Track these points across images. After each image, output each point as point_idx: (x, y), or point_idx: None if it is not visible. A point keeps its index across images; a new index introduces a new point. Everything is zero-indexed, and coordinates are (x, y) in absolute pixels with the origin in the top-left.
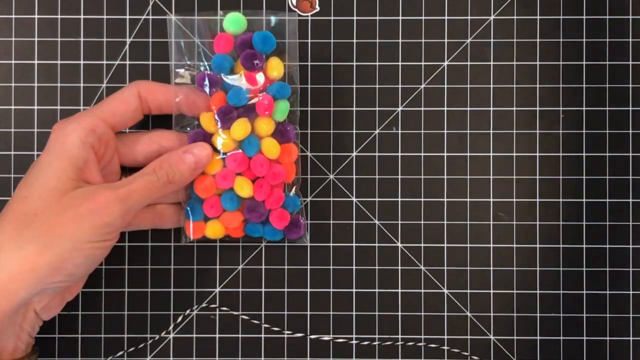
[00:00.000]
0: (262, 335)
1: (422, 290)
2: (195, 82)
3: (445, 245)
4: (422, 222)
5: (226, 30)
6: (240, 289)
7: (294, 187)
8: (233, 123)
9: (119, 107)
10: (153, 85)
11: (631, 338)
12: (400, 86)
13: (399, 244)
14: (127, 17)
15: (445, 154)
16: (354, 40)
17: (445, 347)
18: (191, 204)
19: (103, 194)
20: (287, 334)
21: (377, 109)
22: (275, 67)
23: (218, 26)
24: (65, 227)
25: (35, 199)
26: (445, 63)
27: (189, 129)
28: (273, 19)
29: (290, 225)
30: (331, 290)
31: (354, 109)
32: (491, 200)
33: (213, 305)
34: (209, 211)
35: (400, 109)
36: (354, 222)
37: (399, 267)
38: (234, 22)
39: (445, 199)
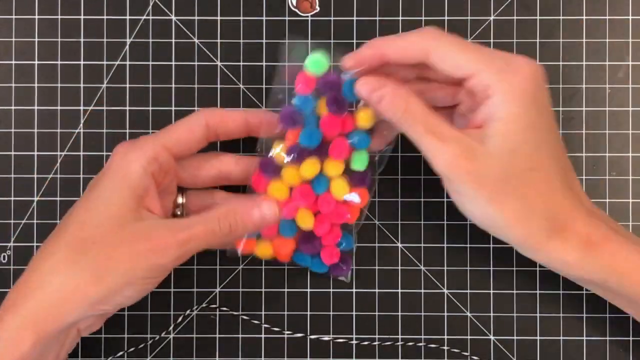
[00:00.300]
0: (262, 335)
1: (422, 290)
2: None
3: (445, 245)
4: (422, 222)
5: (308, 70)
6: (240, 289)
7: (353, 228)
8: (303, 162)
9: (184, 136)
10: (222, 113)
11: (631, 338)
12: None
13: (399, 244)
14: (127, 17)
15: None
16: (354, 41)
17: (445, 347)
18: None
19: (163, 236)
20: (287, 334)
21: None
22: (367, 119)
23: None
24: (121, 262)
25: (94, 227)
26: None
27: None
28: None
29: (338, 263)
30: (331, 290)
31: (354, 109)
32: None
33: (213, 305)
34: (265, 232)
35: None
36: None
37: (399, 267)
38: (316, 63)
39: (445, 199)
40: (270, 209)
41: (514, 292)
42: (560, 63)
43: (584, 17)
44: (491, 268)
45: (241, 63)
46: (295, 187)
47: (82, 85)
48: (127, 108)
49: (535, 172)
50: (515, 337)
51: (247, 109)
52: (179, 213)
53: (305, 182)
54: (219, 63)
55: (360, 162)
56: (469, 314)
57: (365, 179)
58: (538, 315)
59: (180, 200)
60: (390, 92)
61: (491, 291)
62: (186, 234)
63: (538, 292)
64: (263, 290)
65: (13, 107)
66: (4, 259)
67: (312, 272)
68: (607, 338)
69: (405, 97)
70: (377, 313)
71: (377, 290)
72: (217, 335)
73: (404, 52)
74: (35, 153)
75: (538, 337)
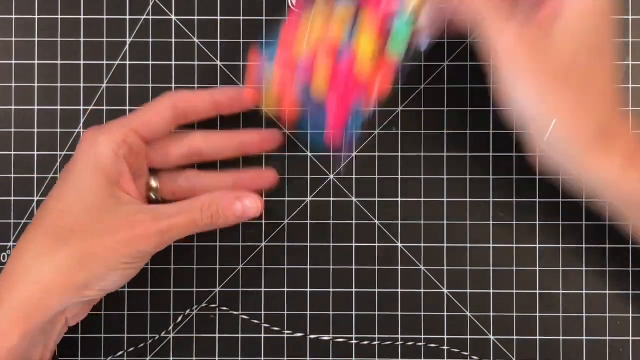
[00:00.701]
0: (262, 335)
1: (422, 290)
2: None
3: (445, 245)
4: (422, 222)
5: None
6: (240, 289)
7: (363, 115)
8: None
9: (152, 119)
10: (189, 94)
11: (631, 338)
12: (400, 86)
13: (399, 244)
14: (127, 17)
15: (445, 154)
16: None
17: (445, 347)
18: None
19: (145, 224)
20: (287, 334)
21: (377, 109)
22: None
23: None
24: (102, 249)
25: (73, 215)
26: (445, 63)
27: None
28: None
29: (339, 144)
30: (331, 290)
31: None
32: (491, 200)
33: (213, 305)
34: (280, 87)
35: (400, 109)
36: (354, 222)
37: (399, 267)
38: None
39: (445, 199)
40: (253, 202)
41: (514, 292)
42: None
43: None
44: (491, 268)
45: (241, 63)
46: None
47: (82, 85)
48: (127, 108)
49: (593, 75)
50: (515, 337)
51: (214, 88)
52: (153, 197)
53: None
54: (219, 63)
55: (397, 45)
56: (469, 314)
57: (392, 67)
58: (538, 315)
59: (154, 184)
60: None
61: (491, 291)
62: (168, 222)
63: (538, 292)
64: (263, 290)
65: (13, 107)
66: (3, 258)
67: (311, 272)
68: (607, 338)
69: None
70: (377, 313)
71: (377, 290)
72: (217, 335)
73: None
74: (35, 153)
75: (538, 337)
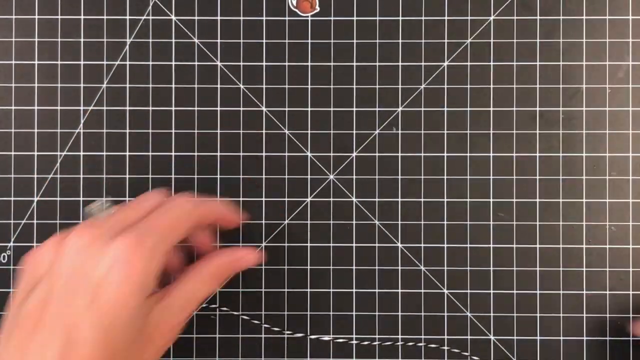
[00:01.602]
0: (262, 335)
1: (422, 290)
2: None
3: (445, 245)
4: (422, 222)
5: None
6: (240, 289)
7: None
8: None
9: (180, 236)
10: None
11: (631, 338)
12: (400, 86)
13: (399, 244)
14: (127, 17)
15: (445, 154)
16: (354, 41)
17: (445, 347)
18: None
19: (166, 332)
20: (287, 334)
21: (377, 109)
22: None
23: None
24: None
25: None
26: (445, 63)
27: None
28: None
29: None
30: (331, 290)
31: (354, 109)
32: (491, 200)
33: (213, 305)
34: None
35: (400, 109)
36: (354, 222)
37: (399, 267)
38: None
39: (445, 199)
40: (253, 258)
41: (514, 292)
42: (560, 63)
43: (584, 17)
44: (491, 268)
45: (241, 63)
46: None
47: (82, 85)
48: (127, 108)
49: None
50: (515, 337)
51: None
52: None
53: None
54: (219, 63)
55: None
56: (469, 314)
57: None
58: (538, 315)
59: None
60: None
61: (491, 291)
62: (187, 314)
63: (538, 292)
64: (263, 290)
65: (13, 107)
66: (4, 259)
67: (311, 272)
68: (607, 338)
69: None
70: (377, 313)
71: (377, 290)
72: (217, 335)
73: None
74: (35, 153)
75: (538, 337)
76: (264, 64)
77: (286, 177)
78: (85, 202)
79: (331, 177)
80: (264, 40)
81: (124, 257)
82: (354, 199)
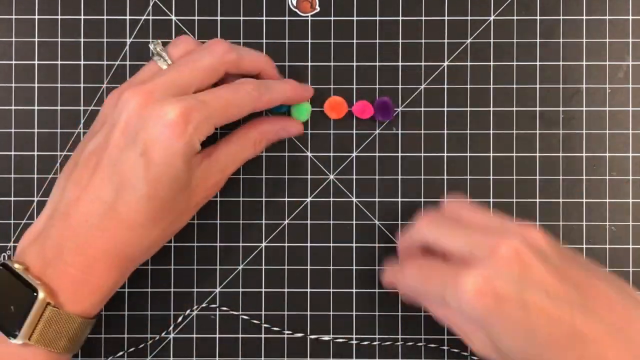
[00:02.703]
0: (262, 335)
1: None
2: None
3: None
4: None
5: None
6: (240, 289)
7: None
8: None
9: (234, 114)
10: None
11: None
12: (400, 86)
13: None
14: (127, 17)
15: (445, 154)
16: (354, 41)
17: (445, 347)
18: None
19: (217, 182)
20: (287, 334)
21: None
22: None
23: None
24: (186, 217)
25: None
26: (445, 63)
27: None
28: None
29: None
30: (331, 290)
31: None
32: (491, 200)
33: (213, 305)
34: None
35: (400, 108)
36: (354, 222)
37: None
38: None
39: (445, 199)
40: (298, 129)
41: None
42: (560, 63)
43: (584, 17)
44: None
45: None
46: None
47: (82, 85)
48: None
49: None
50: None
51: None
52: None
53: None
54: None
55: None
56: None
57: None
58: None
59: None
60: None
61: None
62: (232, 168)
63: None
64: (263, 290)
65: (13, 107)
66: (3, 259)
67: (311, 272)
68: None
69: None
70: (377, 313)
71: (377, 290)
72: (217, 335)
73: (413, 241)
74: (35, 153)
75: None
76: None
77: (286, 177)
78: None
79: (331, 177)
80: (264, 40)
81: (176, 122)
82: (354, 199)
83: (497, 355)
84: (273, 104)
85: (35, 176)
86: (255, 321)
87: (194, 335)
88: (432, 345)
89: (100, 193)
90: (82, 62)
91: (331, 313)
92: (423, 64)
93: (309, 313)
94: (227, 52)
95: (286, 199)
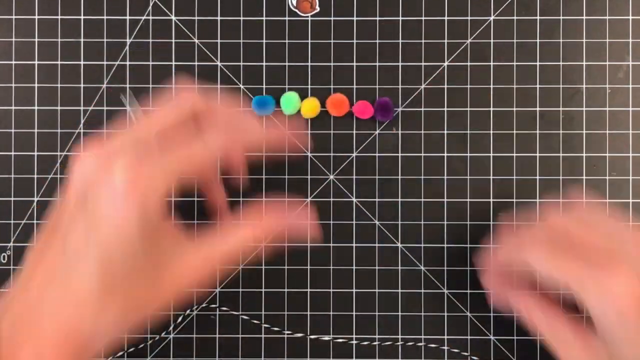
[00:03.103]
0: (262, 335)
1: (422, 290)
2: None
3: (445, 245)
4: (422, 222)
5: None
6: (240, 289)
7: None
8: None
9: (200, 164)
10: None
11: None
12: (400, 86)
13: (399, 244)
14: (127, 17)
15: (445, 154)
16: (354, 41)
17: (445, 347)
18: None
19: (195, 270)
20: (287, 334)
21: None
22: None
23: None
24: (151, 302)
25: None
26: (445, 63)
27: None
28: None
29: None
30: (331, 290)
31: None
32: (491, 200)
33: (213, 305)
34: None
35: (400, 108)
36: (354, 222)
37: (399, 267)
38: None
39: (445, 199)
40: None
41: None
42: (560, 63)
43: (584, 17)
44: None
45: (241, 63)
46: None
47: (82, 85)
48: (127, 108)
49: None
50: (515, 337)
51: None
52: None
53: None
54: (219, 63)
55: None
56: (469, 314)
57: None
58: None
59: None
60: (541, 317)
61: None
62: (218, 260)
63: (538, 292)
64: (263, 290)
65: (13, 107)
66: (3, 259)
67: (311, 272)
68: None
69: (526, 309)
70: (377, 313)
71: (377, 290)
72: (217, 335)
73: (509, 258)
74: (35, 153)
75: (538, 337)
76: (264, 64)
77: (286, 177)
78: None
79: (331, 177)
80: (264, 40)
81: (124, 190)
82: (354, 199)
83: None
84: (239, 152)
85: (35, 176)
86: (255, 321)
87: (194, 335)
88: (432, 345)
89: (53, 266)
90: (82, 62)
91: (331, 313)
92: (423, 64)
93: (309, 313)
94: (196, 102)
95: (286, 199)
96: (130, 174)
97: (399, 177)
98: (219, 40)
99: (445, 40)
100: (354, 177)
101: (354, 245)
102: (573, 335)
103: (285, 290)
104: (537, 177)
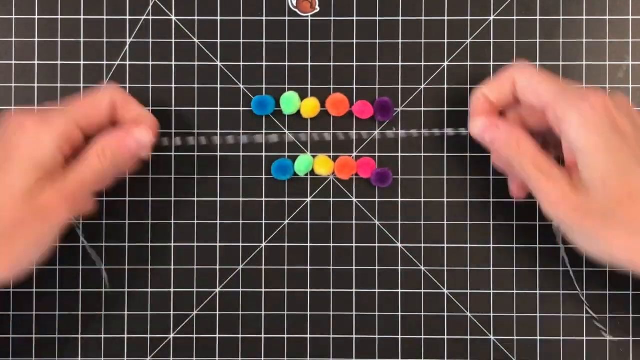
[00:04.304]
0: (262, 336)
1: (422, 290)
2: None
3: (445, 245)
4: (422, 222)
5: None
6: (240, 289)
7: None
8: None
9: (92, 113)
10: (126, 97)
11: (631, 338)
12: (400, 86)
13: (399, 244)
14: (127, 17)
15: (445, 154)
16: (354, 41)
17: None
18: None
19: (50, 200)
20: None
21: None
22: None
23: None
24: (25, 244)
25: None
26: (445, 63)
27: None
28: None
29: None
30: (331, 290)
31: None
32: (491, 200)
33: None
34: None
35: (400, 109)
36: (354, 222)
37: (399, 267)
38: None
39: (445, 199)
40: (142, 133)
41: (514, 292)
42: (560, 63)
43: (584, 17)
44: (491, 268)
45: (241, 63)
46: None
47: (82, 85)
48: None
49: (633, 197)
50: (515, 337)
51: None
52: None
53: None
54: (219, 63)
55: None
56: (469, 314)
57: None
58: (538, 315)
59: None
60: (504, 133)
61: (491, 291)
62: (71, 184)
63: (538, 292)
64: (263, 290)
65: (13, 107)
66: None
67: (311, 272)
68: (607, 338)
69: (517, 137)
70: (377, 313)
71: (377, 290)
72: (217, 335)
73: (499, 89)
74: None
75: (538, 337)
76: (264, 63)
77: (286, 177)
78: None
79: (331, 177)
80: (264, 40)
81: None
82: (354, 200)
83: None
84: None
85: None
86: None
87: (194, 335)
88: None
89: None
90: (82, 62)
91: (331, 313)
92: (423, 64)
93: (309, 313)
94: (115, 93)
95: (286, 199)
96: (30, 126)
97: (399, 177)
98: (219, 40)
99: (445, 40)
100: (354, 177)
101: (354, 245)
102: (558, 168)
103: (285, 290)
104: None
